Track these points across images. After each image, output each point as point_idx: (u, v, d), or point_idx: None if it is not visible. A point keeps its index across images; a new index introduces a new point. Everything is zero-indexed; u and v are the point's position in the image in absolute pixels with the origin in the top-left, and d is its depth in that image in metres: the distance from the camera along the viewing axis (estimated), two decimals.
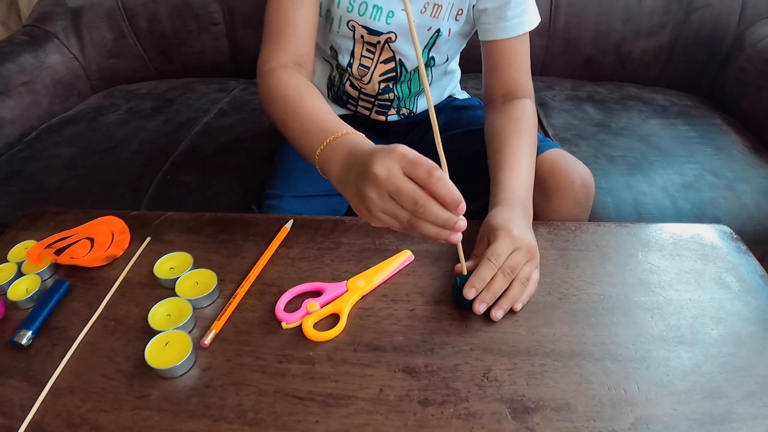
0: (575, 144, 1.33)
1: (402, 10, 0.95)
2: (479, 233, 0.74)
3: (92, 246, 0.77)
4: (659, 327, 0.65)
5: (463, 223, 0.57)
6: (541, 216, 0.88)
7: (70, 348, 0.63)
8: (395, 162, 0.55)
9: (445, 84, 1.18)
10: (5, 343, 0.64)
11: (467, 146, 1.02)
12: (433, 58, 1.03)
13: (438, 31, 0.99)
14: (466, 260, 0.69)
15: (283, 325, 0.64)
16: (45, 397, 0.57)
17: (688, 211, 1.15)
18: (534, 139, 0.90)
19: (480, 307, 0.64)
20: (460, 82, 1.24)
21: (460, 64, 1.21)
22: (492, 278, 0.66)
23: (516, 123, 0.91)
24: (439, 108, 1.16)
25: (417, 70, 1.05)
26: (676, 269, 0.74)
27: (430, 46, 1.01)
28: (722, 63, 1.62)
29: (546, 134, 1.38)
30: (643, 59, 1.68)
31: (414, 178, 0.55)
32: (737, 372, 0.59)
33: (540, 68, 1.74)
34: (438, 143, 0.61)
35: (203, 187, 1.19)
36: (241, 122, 1.43)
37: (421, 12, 0.96)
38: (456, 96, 1.22)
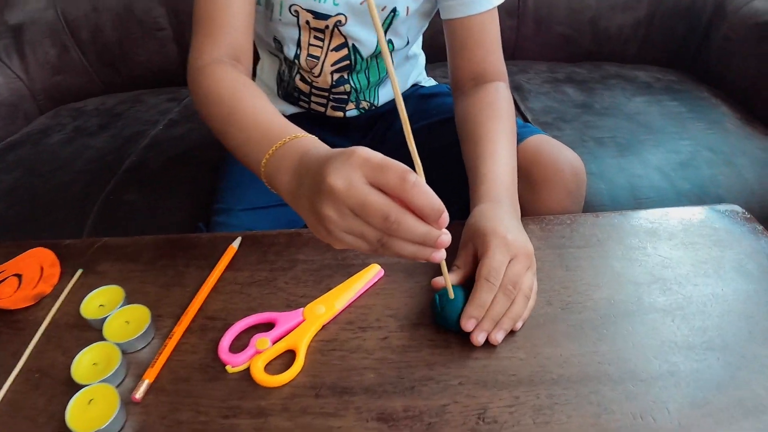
0: (558, 128, 1.22)
1: None
2: (462, 238, 0.61)
3: (20, 283, 0.64)
4: (683, 332, 0.53)
5: (446, 237, 0.44)
6: (528, 211, 0.76)
7: None
8: (356, 169, 0.43)
9: (408, 70, 1.04)
10: None
11: (436, 139, 0.89)
12: (391, 41, 0.91)
13: (394, 9, 0.86)
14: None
15: (228, 368, 0.52)
16: None
17: (688, 191, 1.05)
18: (512, 124, 0.78)
19: (479, 338, 0.52)
20: (427, 69, 1.11)
21: (426, 53, 1.08)
22: (492, 300, 0.53)
23: (491, 108, 0.78)
24: (404, 98, 1.02)
25: (374, 56, 0.92)
26: (692, 260, 0.63)
27: (386, 27, 0.88)
28: (704, 34, 1.52)
29: (525, 119, 1.27)
30: (621, 35, 1.58)
31: (382, 187, 0.42)
32: None
33: (512, 51, 1.62)
34: (410, 141, 0.46)
35: (150, 205, 1.06)
36: (192, 131, 1.30)
37: None
38: (422, 83, 1.09)
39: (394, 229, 0.43)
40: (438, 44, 0.92)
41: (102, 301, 0.60)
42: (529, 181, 0.76)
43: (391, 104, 1.01)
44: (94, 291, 0.61)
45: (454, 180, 0.76)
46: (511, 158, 0.72)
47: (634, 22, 1.55)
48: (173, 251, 0.69)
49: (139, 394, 0.50)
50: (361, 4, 0.84)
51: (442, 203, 0.43)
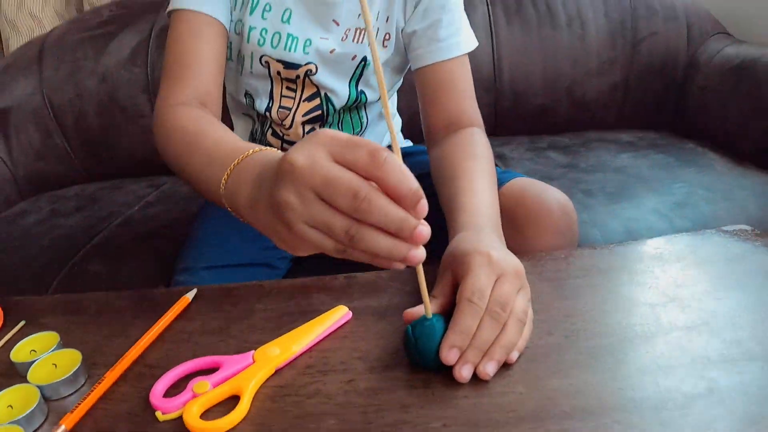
0: None
1: (321, 38, 0.81)
2: (440, 267, 0.52)
3: None
4: (715, 346, 0.44)
5: (426, 229, 0.36)
6: (516, 254, 0.67)
7: None
8: (320, 146, 0.36)
9: (384, 129, 0.99)
10: None
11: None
12: (363, 92, 0.87)
13: (364, 59, 0.83)
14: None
15: (159, 415, 0.41)
16: None
17: (690, 228, 0.98)
18: (491, 166, 0.71)
19: (464, 372, 0.42)
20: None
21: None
22: (478, 326, 0.43)
23: (467, 149, 0.73)
24: None
25: (347, 109, 0.88)
26: (708, 276, 0.55)
27: (356, 78, 0.85)
28: (680, 88, 1.51)
29: None
30: (599, 101, 1.54)
31: (350, 166, 0.36)
32: None
33: (492, 128, 1.56)
34: (389, 123, 0.40)
35: (113, 275, 0.98)
36: (166, 212, 1.24)
37: (342, 40, 0.82)
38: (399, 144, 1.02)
39: (365, 210, 0.35)
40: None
41: (35, 347, 0.51)
42: (515, 223, 0.68)
43: None
44: (28, 337, 0.52)
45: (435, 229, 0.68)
46: (492, 194, 0.65)
47: (610, 86, 1.53)
48: (123, 305, 0.60)
49: None
50: (330, 53, 0.82)
51: (419, 186, 0.35)
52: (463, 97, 0.81)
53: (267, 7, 0.80)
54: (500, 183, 0.71)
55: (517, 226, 0.68)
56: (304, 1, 0.80)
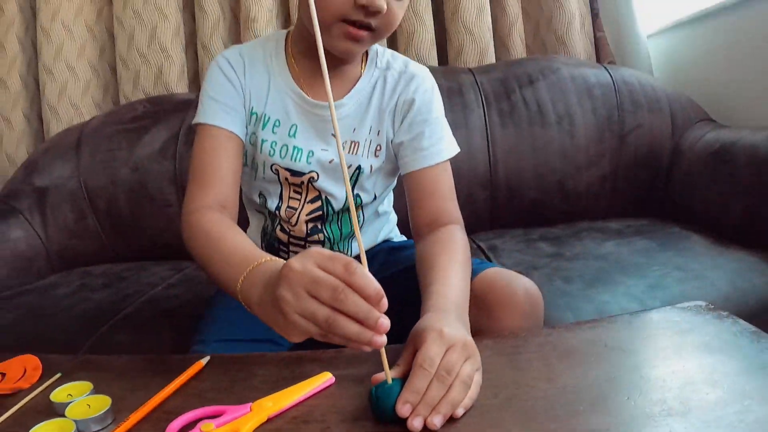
0: (526, 274, 1.18)
1: (321, 149, 0.96)
2: (405, 343, 0.64)
3: (2, 378, 0.71)
4: (640, 404, 0.53)
5: (386, 321, 0.51)
6: (485, 336, 0.77)
7: None
8: (309, 258, 0.54)
9: (379, 226, 1.12)
10: None
11: (407, 282, 0.92)
12: (359, 195, 1.00)
13: (359, 167, 0.97)
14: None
15: None
16: None
17: (659, 307, 1.04)
18: (466, 258, 0.83)
19: (416, 422, 0.52)
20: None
21: None
22: (427, 387, 0.54)
23: (444, 244, 0.84)
24: (373, 252, 1.09)
25: (344, 210, 1.01)
26: (652, 348, 0.65)
27: (353, 183, 0.98)
28: (667, 176, 1.60)
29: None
30: (590, 192, 1.64)
31: (331, 272, 0.52)
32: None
33: (489, 222, 1.67)
34: (359, 242, 0.57)
35: (137, 345, 1.09)
36: (186, 293, 1.35)
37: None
38: (392, 239, 1.16)
39: (341, 302, 0.50)
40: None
41: (71, 392, 0.63)
42: (485, 306, 0.79)
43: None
44: (65, 384, 0.65)
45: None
46: (463, 283, 0.77)
47: (600, 178, 1.62)
48: (146, 366, 0.72)
49: None
50: (329, 162, 0.96)
51: (381, 288, 0.50)
52: (443, 199, 0.93)
53: (276, 123, 0.95)
54: (475, 272, 0.83)
55: (488, 309, 0.79)
56: (307, 118, 0.95)
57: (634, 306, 1.06)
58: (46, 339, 1.16)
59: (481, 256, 1.35)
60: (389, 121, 0.97)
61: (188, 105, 1.78)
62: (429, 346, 0.57)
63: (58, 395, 0.62)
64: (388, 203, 1.15)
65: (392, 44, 1.99)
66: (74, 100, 2.11)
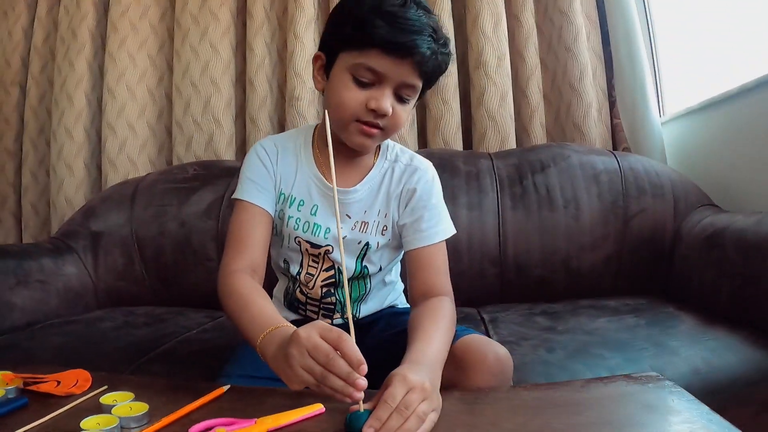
0: (516, 344, 1.32)
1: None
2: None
3: (58, 385, 0.90)
4: None
5: (363, 381, 0.71)
6: (459, 388, 0.93)
7: None
8: (314, 328, 0.75)
9: (385, 294, 1.28)
10: None
11: (401, 343, 1.07)
12: (366, 267, 1.18)
13: (367, 243, 1.15)
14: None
15: None
16: None
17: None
18: (450, 324, 0.99)
19: None
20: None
21: None
22: (388, 417, 0.71)
23: (432, 311, 1.01)
24: (379, 315, 1.26)
25: (353, 279, 1.19)
26: (591, 407, 0.78)
27: (361, 256, 1.17)
28: (668, 258, 1.68)
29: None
30: (594, 272, 1.74)
31: (327, 341, 0.73)
32: None
33: (498, 296, 1.80)
34: (349, 313, 0.79)
35: (171, 375, 1.26)
36: (217, 338, 1.52)
37: (351, 229, 1.15)
38: (397, 305, 1.32)
39: (331, 365, 0.71)
40: None
41: (116, 398, 0.82)
42: (461, 366, 0.95)
43: (370, 318, 1.25)
44: (112, 392, 0.84)
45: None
46: (442, 345, 0.92)
47: (603, 259, 1.74)
48: (179, 387, 0.90)
49: None
50: (343, 238, 1.14)
51: (363, 358, 0.72)
52: (437, 274, 1.11)
53: (301, 203, 1.15)
54: (457, 337, 0.99)
55: (463, 369, 0.94)
56: (326, 200, 1.14)
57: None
58: (91, 363, 1.26)
59: (481, 326, 1.49)
60: (395, 206, 1.15)
61: (233, 172, 2.00)
62: (394, 387, 0.74)
63: (106, 399, 0.81)
64: (395, 273, 1.31)
65: (422, 129, 2.19)
66: (132, 155, 2.35)
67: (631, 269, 1.75)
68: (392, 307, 1.30)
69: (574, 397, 0.83)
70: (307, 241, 1.15)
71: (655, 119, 2.03)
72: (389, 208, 1.16)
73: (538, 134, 2.15)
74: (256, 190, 1.12)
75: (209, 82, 2.28)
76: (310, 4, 2.20)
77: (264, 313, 0.92)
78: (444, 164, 1.83)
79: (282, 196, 1.16)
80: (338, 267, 1.16)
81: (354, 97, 1.01)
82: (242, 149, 2.35)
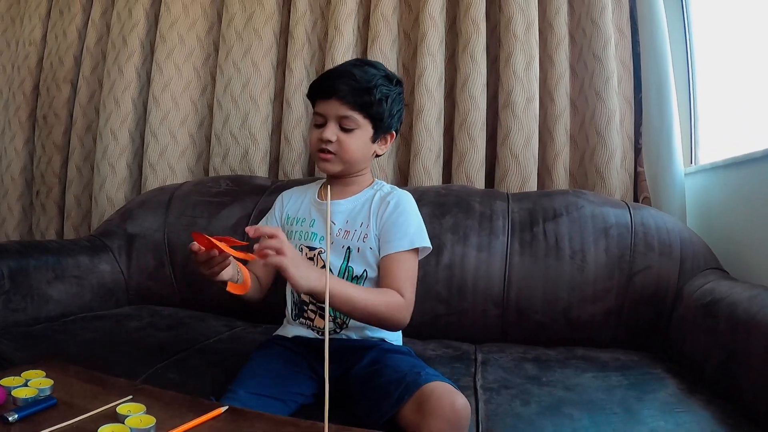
0: (497, 392, 1.42)
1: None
2: None
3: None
4: None
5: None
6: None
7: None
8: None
9: None
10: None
11: (381, 378, 1.29)
12: (351, 267, 1.48)
13: (349, 248, 1.48)
14: None
15: None
16: None
17: None
18: (384, 306, 1.34)
19: None
20: None
21: None
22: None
23: (381, 290, 1.39)
24: (372, 343, 1.48)
25: (341, 275, 1.48)
26: None
27: (346, 258, 1.49)
28: (668, 317, 1.78)
29: (474, 385, 1.49)
30: (593, 323, 1.83)
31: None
32: None
33: (499, 335, 1.91)
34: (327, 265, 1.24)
35: (183, 384, 1.45)
36: (232, 349, 1.69)
37: (336, 235, 1.50)
38: (392, 342, 1.52)
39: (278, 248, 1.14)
40: None
41: (131, 409, 1.01)
42: (421, 411, 1.14)
43: (360, 344, 1.48)
44: (129, 403, 1.03)
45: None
46: (368, 299, 1.32)
47: (604, 311, 1.83)
48: (184, 403, 1.11)
49: None
50: (331, 243, 1.47)
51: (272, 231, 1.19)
52: (395, 279, 1.40)
53: (302, 220, 1.58)
54: (424, 381, 1.18)
55: (422, 414, 1.13)
56: (321, 213, 1.54)
57: None
58: (111, 362, 1.53)
59: (471, 368, 1.61)
60: (375, 220, 1.49)
61: (264, 190, 2.24)
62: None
63: (122, 409, 1.01)
64: None
65: (447, 162, 2.35)
66: (171, 161, 2.59)
67: (632, 324, 1.85)
68: (384, 341, 1.50)
69: None
70: (306, 246, 1.52)
71: (678, 171, 2.08)
72: (369, 221, 1.50)
73: (561, 177, 2.26)
74: (272, 219, 1.68)
75: (248, 98, 2.49)
76: (350, 31, 2.40)
77: None
78: (460, 203, 2.02)
79: (288, 218, 1.62)
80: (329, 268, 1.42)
81: (314, 136, 1.49)
82: (275, 166, 2.56)
